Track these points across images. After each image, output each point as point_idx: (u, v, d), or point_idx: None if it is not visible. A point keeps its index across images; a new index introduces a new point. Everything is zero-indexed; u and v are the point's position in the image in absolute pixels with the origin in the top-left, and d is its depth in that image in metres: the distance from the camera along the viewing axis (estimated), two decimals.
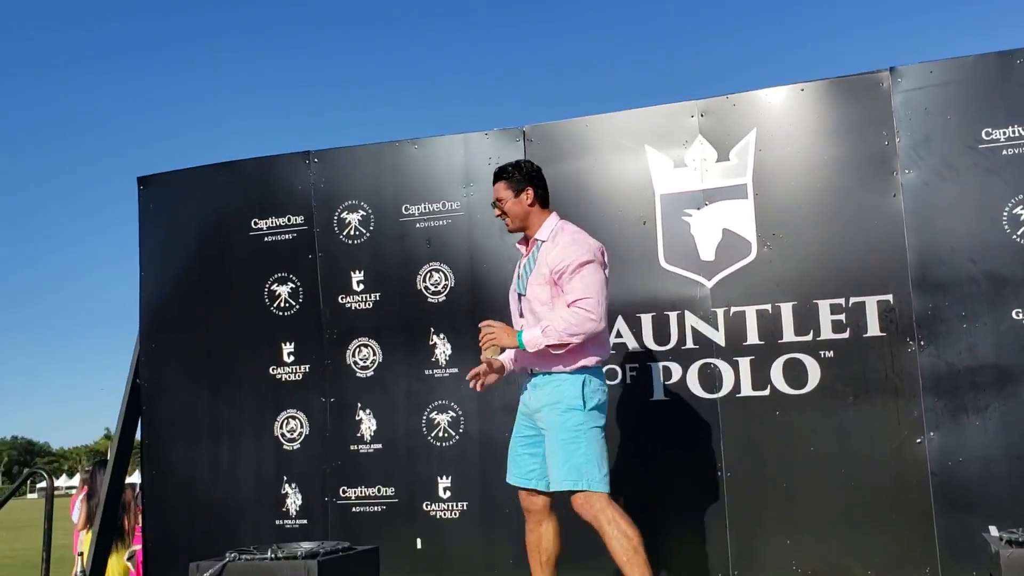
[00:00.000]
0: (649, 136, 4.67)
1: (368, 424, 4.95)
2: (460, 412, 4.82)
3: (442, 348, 4.89)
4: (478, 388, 3.71)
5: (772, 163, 4.48)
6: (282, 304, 5.16)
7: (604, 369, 3.75)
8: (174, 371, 5.34)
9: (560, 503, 3.64)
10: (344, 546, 3.29)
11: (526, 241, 3.78)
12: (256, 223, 5.25)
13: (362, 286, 5.03)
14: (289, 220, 5.19)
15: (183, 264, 5.39)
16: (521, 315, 3.69)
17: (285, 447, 5.08)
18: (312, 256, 5.12)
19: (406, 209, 5.01)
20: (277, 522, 5.02)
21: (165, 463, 5.30)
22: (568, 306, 3.45)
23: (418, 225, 4.99)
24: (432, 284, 4.94)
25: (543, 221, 3.69)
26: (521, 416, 3.72)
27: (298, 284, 5.15)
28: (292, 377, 5.11)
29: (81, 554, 5.99)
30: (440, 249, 4.94)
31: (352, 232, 5.08)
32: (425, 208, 4.99)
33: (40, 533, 5.57)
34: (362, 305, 5.03)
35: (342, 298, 5.06)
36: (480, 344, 3.56)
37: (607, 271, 3.65)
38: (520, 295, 3.66)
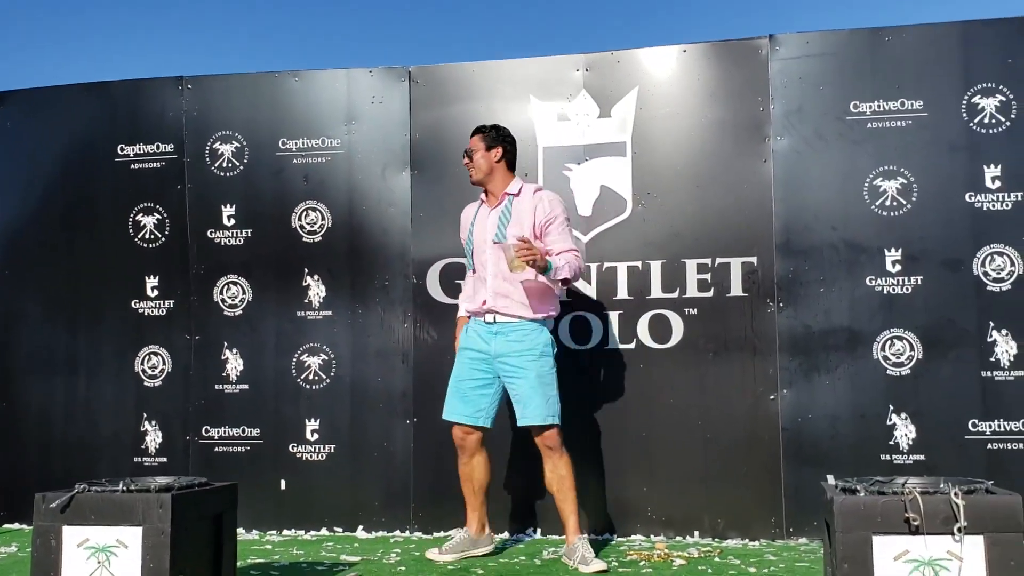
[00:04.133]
0: (534, 87, 4.66)
1: (235, 364, 4.83)
2: (332, 356, 4.76)
3: (316, 290, 4.81)
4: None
5: (651, 122, 4.54)
6: (147, 236, 4.96)
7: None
8: (30, 301, 5.08)
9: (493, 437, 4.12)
10: (201, 481, 3.20)
11: (486, 195, 3.97)
12: (123, 149, 5.00)
13: (233, 221, 4.88)
14: (158, 148, 4.96)
15: (42, 189, 5.10)
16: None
17: (146, 383, 4.92)
18: (181, 187, 4.92)
19: (283, 143, 4.87)
20: (136, 459, 4.88)
21: (19, 396, 5.06)
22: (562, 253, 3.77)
23: (295, 161, 4.86)
24: (308, 223, 4.83)
25: (509, 180, 3.93)
26: (473, 360, 3.88)
27: (164, 216, 4.95)
28: (155, 312, 4.93)
29: None
30: (318, 187, 4.83)
31: (225, 164, 4.91)
32: (304, 143, 4.86)
33: None
34: (232, 241, 4.88)
35: (211, 232, 4.89)
36: (516, 255, 3.59)
37: None
38: (495, 242, 3.81)
